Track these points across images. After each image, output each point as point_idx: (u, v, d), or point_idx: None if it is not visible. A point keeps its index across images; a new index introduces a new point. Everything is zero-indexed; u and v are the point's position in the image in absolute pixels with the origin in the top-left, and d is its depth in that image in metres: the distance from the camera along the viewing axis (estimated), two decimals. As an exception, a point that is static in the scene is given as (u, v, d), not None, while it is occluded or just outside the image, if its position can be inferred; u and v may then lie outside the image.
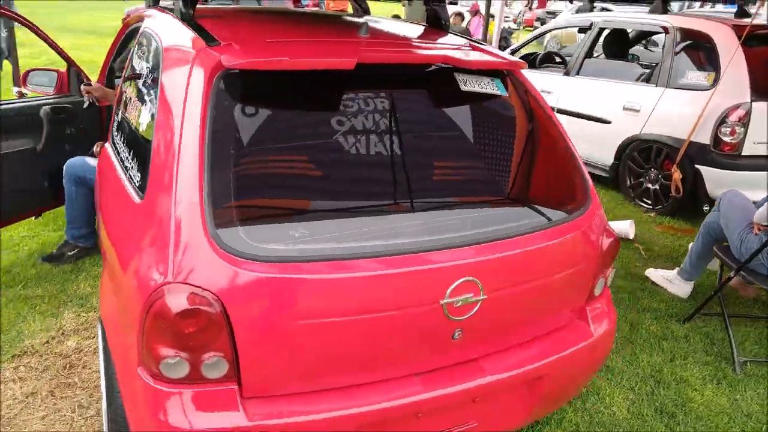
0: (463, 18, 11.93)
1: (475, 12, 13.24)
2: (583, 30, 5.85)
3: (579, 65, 5.58)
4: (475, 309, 1.73)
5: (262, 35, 2.05)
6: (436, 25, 2.66)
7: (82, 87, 3.10)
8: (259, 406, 1.58)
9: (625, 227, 4.27)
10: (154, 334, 1.49)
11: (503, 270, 1.79)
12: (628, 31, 5.85)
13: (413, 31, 2.51)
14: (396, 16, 12.48)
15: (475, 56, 2.04)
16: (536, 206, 2.05)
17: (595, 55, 5.99)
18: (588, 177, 2.14)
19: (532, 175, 2.15)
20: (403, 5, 11.63)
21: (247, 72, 1.69)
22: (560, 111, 5.60)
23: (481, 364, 1.87)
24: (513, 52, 6.47)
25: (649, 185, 5.00)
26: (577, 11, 7.54)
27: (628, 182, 5.15)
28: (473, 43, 2.23)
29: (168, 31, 2.13)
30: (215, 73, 1.68)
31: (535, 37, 6.75)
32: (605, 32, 5.71)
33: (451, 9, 16.14)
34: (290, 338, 1.56)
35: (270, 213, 1.62)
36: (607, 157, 5.26)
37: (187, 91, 1.70)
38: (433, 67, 1.97)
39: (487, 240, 1.76)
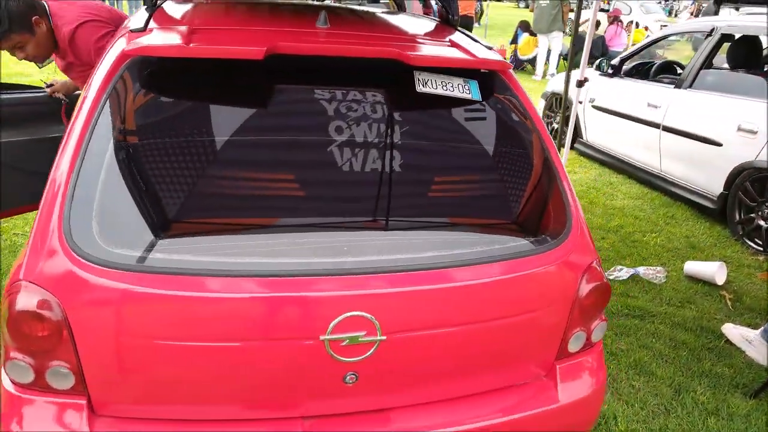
0: (598, 25, 11.04)
1: (614, 19, 12.20)
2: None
3: (693, 77, 4.82)
4: (371, 351, 1.46)
5: (219, 25, 1.91)
6: (446, 20, 2.36)
7: (47, 89, 2.89)
8: (109, 427, 1.44)
9: (712, 270, 3.58)
10: (5, 332, 1.41)
11: (412, 308, 1.50)
12: (761, 37, 4.94)
13: (401, 24, 2.24)
14: (524, 22, 11.94)
15: (437, 53, 1.74)
16: (492, 233, 1.71)
17: (722, 66, 5.15)
18: (573, 205, 1.74)
19: (496, 195, 1.80)
20: (531, 10, 11.07)
21: (158, 61, 1.57)
22: (666, 129, 4.89)
23: (393, 416, 1.58)
24: (622, 61, 5.78)
25: (762, 222, 4.17)
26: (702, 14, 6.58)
27: (737, 217, 4.35)
28: (455, 40, 1.91)
29: (136, 15, 2.06)
30: (122, 61, 1.57)
31: (649, 44, 5.99)
32: (731, 39, 4.88)
33: (584, 15, 15.15)
34: (144, 358, 1.41)
35: (137, 218, 1.46)
36: (714, 185, 4.49)
37: (93, 79, 1.62)
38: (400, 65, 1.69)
39: (393, 270, 1.47)
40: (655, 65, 5.83)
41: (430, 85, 1.66)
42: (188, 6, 2.09)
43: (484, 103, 1.78)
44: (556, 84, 6.73)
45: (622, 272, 3.62)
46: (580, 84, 4.87)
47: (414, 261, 1.50)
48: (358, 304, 1.43)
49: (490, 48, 1.99)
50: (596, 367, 1.84)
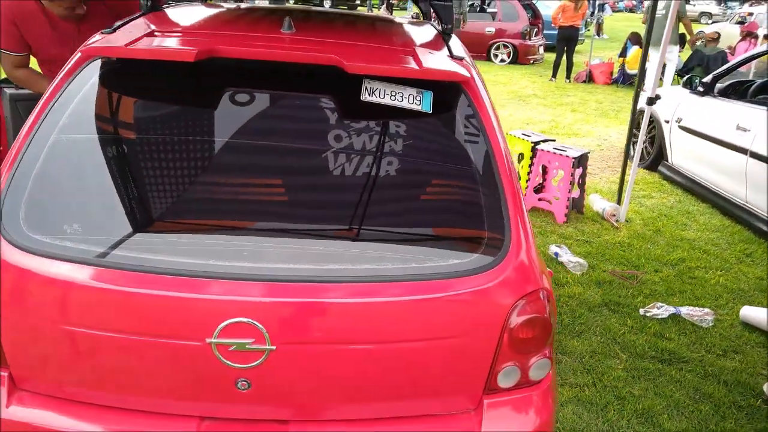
0: (717, 38, 10.10)
1: (747, 34, 11.09)
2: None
3: (789, 99, 4.28)
4: (261, 360, 1.44)
5: (186, 29, 1.97)
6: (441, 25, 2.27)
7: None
8: (24, 401, 1.54)
9: (765, 316, 3.15)
10: None
11: (306, 321, 1.46)
12: None
13: (383, 31, 2.18)
14: (635, 34, 11.23)
15: (385, 62, 1.68)
16: (412, 251, 1.61)
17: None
18: (515, 230, 1.61)
19: (426, 210, 1.70)
20: (644, 21, 10.37)
21: (115, 62, 1.66)
22: (753, 155, 4.38)
23: (291, 430, 1.55)
24: (715, 78, 5.25)
25: None
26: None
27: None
28: (424, 49, 1.84)
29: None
30: (83, 61, 1.67)
31: (748, 60, 5.39)
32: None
33: (711, 27, 13.94)
34: (51, 339, 1.49)
35: (59, 208, 1.55)
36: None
37: (62, 74, 1.72)
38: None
39: (289, 279, 1.44)
40: (755, 84, 5.25)
41: (376, 95, 1.61)
42: (189, 11, 2.18)
43: (437, 114, 1.69)
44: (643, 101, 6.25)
45: (661, 310, 3.28)
46: (651, 102, 4.50)
47: (313, 273, 1.46)
48: (247, 310, 1.42)
49: (460, 59, 1.88)
50: (536, 408, 1.69)
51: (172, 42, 1.70)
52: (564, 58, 11.40)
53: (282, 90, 1.73)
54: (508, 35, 13.83)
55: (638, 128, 6.39)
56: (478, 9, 14.82)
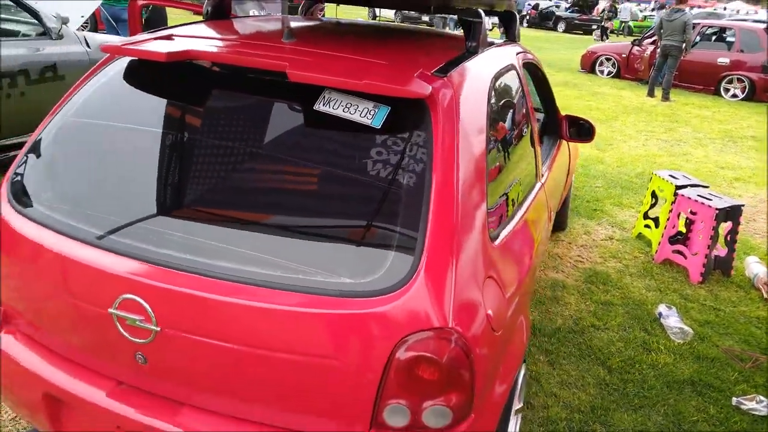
0: None
1: None
2: None
3: None
4: (150, 338, 1.59)
5: (196, 36, 2.19)
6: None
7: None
8: (8, 332, 1.91)
9: None
10: None
11: (181, 306, 1.57)
12: None
13: (397, 42, 2.17)
14: None
15: (339, 74, 1.68)
16: (317, 262, 1.59)
17: None
18: (426, 259, 1.50)
19: (343, 224, 1.66)
20: None
21: (127, 61, 1.98)
22: None
23: (182, 412, 1.67)
24: None
25: None
26: None
27: None
28: (403, 64, 1.83)
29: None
30: (110, 58, 2.02)
31: None
32: None
33: None
34: (20, 284, 1.83)
35: (45, 179, 1.89)
36: None
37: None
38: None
39: (181, 268, 1.56)
40: None
41: (331, 105, 1.66)
42: (233, 21, 2.45)
43: (389, 129, 1.66)
44: None
45: (761, 405, 2.62)
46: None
47: (205, 266, 1.56)
48: (139, 289, 1.57)
49: (442, 77, 1.79)
50: None
51: (161, 44, 1.93)
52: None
53: (247, 95, 1.87)
54: (746, 68, 12.04)
55: None
56: (713, 38, 13.17)
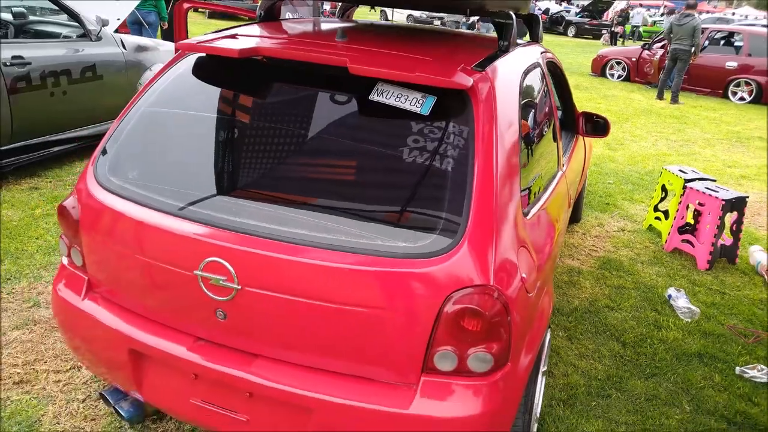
0: None
1: None
2: None
3: None
4: (231, 296, 1.83)
5: (265, 35, 2.45)
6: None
7: None
8: (92, 299, 2.16)
9: None
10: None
11: (260, 267, 1.80)
12: None
13: (438, 42, 2.43)
14: None
15: (392, 68, 1.94)
16: (375, 230, 1.84)
17: None
18: (471, 222, 1.75)
19: (399, 199, 1.91)
20: None
21: (197, 56, 2.24)
22: None
23: (256, 362, 1.91)
24: None
25: None
26: None
27: None
28: (443, 59, 2.08)
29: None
30: (182, 54, 2.29)
31: None
32: None
33: None
34: (105, 254, 2.07)
35: (133, 162, 2.15)
36: None
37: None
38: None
39: (262, 235, 1.80)
40: None
41: (383, 96, 1.91)
42: (295, 23, 2.71)
43: (435, 116, 1.91)
44: None
45: (762, 373, 2.87)
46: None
47: (278, 232, 1.82)
48: (223, 253, 1.82)
49: (480, 71, 2.04)
50: (474, 398, 1.78)
51: (232, 42, 2.19)
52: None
53: (308, 87, 2.12)
54: (754, 71, 12.24)
55: None
56: (722, 42, 13.37)
